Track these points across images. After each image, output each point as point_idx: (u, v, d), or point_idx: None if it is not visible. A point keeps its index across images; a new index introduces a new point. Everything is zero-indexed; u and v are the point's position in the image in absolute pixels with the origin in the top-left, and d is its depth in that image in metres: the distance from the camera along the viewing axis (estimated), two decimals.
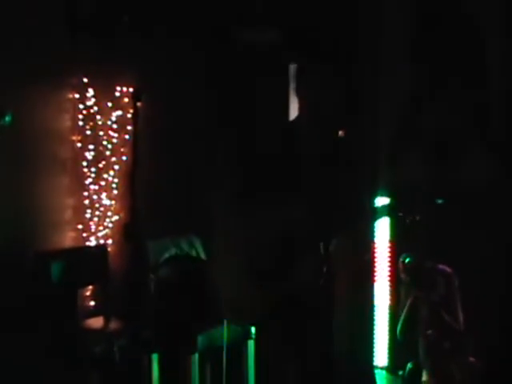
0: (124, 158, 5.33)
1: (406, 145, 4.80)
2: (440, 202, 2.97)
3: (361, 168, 3.31)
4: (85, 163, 5.32)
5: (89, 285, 5.09)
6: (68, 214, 5.27)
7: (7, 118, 3.67)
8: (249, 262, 3.15)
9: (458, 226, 4.67)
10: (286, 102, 4.50)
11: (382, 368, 4.91)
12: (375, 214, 3.11)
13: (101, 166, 5.34)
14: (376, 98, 4.91)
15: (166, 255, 4.69)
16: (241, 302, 3.19)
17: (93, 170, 5.33)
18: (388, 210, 3.07)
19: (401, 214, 3.03)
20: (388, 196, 3.19)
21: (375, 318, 4.89)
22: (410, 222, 3.01)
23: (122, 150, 5.34)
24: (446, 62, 4.77)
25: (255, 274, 3.14)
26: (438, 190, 3.02)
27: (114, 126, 5.35)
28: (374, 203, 3.14)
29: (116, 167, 5.34)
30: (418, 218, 2.99)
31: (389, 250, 4.93)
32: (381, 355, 4.89)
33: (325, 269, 3.10)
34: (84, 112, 5.32)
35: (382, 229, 4.90)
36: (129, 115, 5.25)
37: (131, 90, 5.27)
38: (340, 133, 3.31)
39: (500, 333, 4.52)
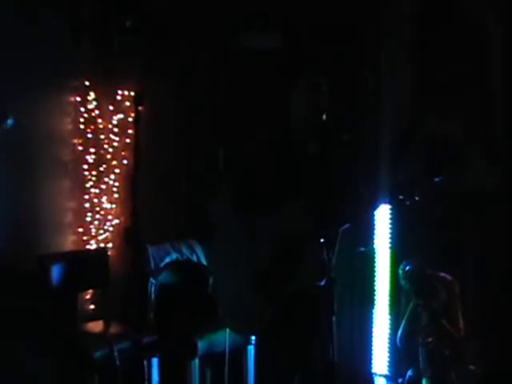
0: (125, 161, 5.32)
1: (408, 147, 4.81)
2: (438, 180, 2.98)
3: (360, 167, 3.32)
4: (86, 166, 5.32)
5: (89, 288, 5.07)
6: (68, 217, 5.26)
7: (9, 121, 3.67)
8: (251, 268, 3.15)
9: (459, 233, 4.67)
10: (286, 106, 4.51)
11: (381, 375, 4.90)
12: (375, 200, 3.11)
13: (102, 169, 5.33)
14: (379, 99, 4.92)
15: (167, 260, 4.68)
16: (243, 312, 3.19)
17: (94, 173, 5.33)
18: (388, 194, 3.07)
19: (401, 197, 3.04)
20: (388, 181, 3.21)
21: (375, 325, 4.88)
22: (410, 204, 3.02)
23: (122, 153, 5.33)
24: (449, 63, 4.78)
25: (257, 277, 3.14)
26: (435, 168, 3.02)
27: (115, 130, 5.34)
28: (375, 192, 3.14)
29: (117, 171, 5.33)
30: (417, 198, 3.00)
31: (389, 257, 4.91)
32: (381, 363, 4.88)
33: (327, 269, 3.10)
34: (85, 115, 5.32)
35: (383, 236, 4.89)
36: (130, 119, 5.25)
37: (132, 93, 5.27)
38: (344, 136, 3.32)
39: (500, 341, 4.52)
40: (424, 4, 4.90)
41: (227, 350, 4.02)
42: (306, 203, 3.14)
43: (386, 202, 3.15)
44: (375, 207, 3.16)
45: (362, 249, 4.52)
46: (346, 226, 3.14)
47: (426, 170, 3.07)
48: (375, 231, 4.82)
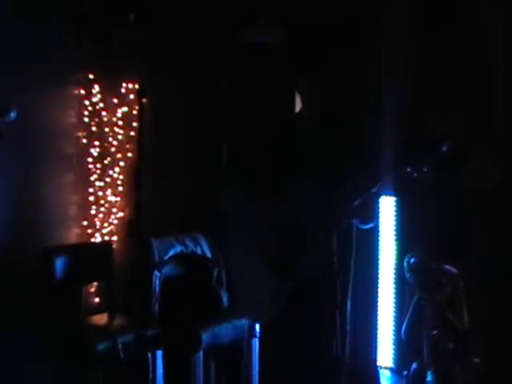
0: (129, 154, 5.32)
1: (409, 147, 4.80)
2: (445, 149, 2.96)
3: (365, 155, 3.32)
4: (90, 159, 5.32)
5: (93, 281, 5.08)
6: (73, 210, 5.26)
7: (13, 115, 3.66)
8: (263, 252, 3.16)
9: (464, 226, 4.66)
10: (291, 98, 4.51)
11: (386, 368, 4.90)
12: (380, 176, 3.10)
13: (106, 162, 5.34)
14: (379, 99, 4.91)
15: (171, 252, 4.68)
16: (257, 298, 3.19)
17: (98, 166, 5.33)
18: (395, 166, 3.06)
19: (408, 169, 3.02)
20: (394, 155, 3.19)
21: (380, 318, 4.88)
22: (417, 176, 2.99)
23: (127, 146, 5.33)
24: (449, 62, 4.77)
25: (270, 264, 3.15)
26: (442, 137, 3.00)
27: (120, 123, 5.34)
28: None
29: (121, 164, 5.34)
30: (425, 169, 2.98)
31: (394, 249, 4.91)
32: (385, 355, 4.88)
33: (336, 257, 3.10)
34: (90, 108, 5.32)
35: (388, 228, 4.89)
36: (134, 112, 5.24)
37: (137, 86, 5.26)
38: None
39: (505, 334, 4.51)
40: (424, 4, 4.89)
41: (230, 342, 4.03)
42: (316, 189, 3.15)
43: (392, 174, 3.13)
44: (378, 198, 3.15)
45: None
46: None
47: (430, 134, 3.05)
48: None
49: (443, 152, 2.96)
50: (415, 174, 3.00)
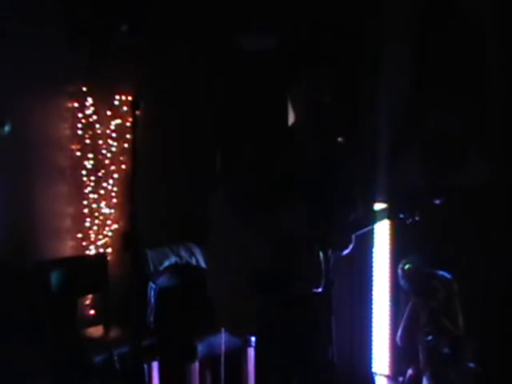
0: (123, 166, 5.33)
1: (404, 147, 4.81)
2: (438, 202, 3.00)
3: (359, 171, 3.32)
4: (84, 172, 5.33)
5: (88, 293, 5.08)
6: (67, 222, 5.27)
7: (6, 128, 3.68)
8: (248, 269, 3.15)
9: (457, 231, 4.67)
10: (285, 107, 4.52)
11: (382, 375, 4.90)
12: (375, 217, 3.13)
13: (100, 174, 5.35)
14: (375, 101, 4.92)
15: (166, 263, 4.69)
16: (240, 313, 3.19)
17: (92, 178, 5.34)
18: (388, 213, 3.09)
19: (401, 216, 3.05)
20: (388, 198, 3.21)
21: (374, 324, 4.88)
22: (410, 223, 3.03)
23: (121, 158, 5.34)
24: (446, 62, 4.78)
25: (255, 282, 3.14)
26: (436, 190, 3.04)
27: (113, 135, 5.35)
28: (373, 206, 3.15)
29: (115, 176, 5.35)
30: (417, 218, 3.01)
31: (388, 256, 4.92)
32: (381, 362, 4.88)
33: (324, 275, 3.10)
34: (83, 121, 5.33)
35: (382, 235, 4.90)
36: (128, 124, 5.26)
37: (130, 98, 5.28)
38: (339, 138, 3.32)
39: (500, 338, 4.52)
40: (424, 4, 4.91)
41: (223, 351, 4.03)
42: (305, 204, 3.14)
43: (385, 218, 3.16)
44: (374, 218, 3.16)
45: None
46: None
47: (425, 186, 3.08)
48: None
49: (436, 203, 3.00)
50: (408, 221, 3.04)
